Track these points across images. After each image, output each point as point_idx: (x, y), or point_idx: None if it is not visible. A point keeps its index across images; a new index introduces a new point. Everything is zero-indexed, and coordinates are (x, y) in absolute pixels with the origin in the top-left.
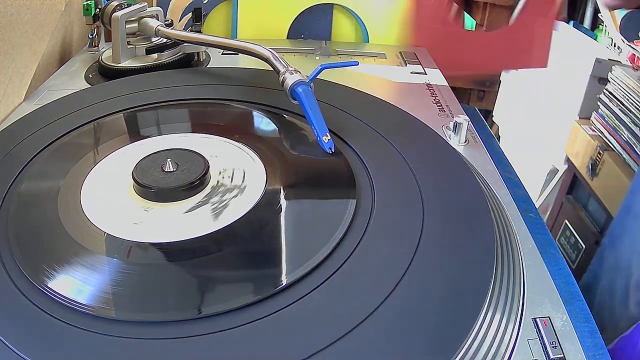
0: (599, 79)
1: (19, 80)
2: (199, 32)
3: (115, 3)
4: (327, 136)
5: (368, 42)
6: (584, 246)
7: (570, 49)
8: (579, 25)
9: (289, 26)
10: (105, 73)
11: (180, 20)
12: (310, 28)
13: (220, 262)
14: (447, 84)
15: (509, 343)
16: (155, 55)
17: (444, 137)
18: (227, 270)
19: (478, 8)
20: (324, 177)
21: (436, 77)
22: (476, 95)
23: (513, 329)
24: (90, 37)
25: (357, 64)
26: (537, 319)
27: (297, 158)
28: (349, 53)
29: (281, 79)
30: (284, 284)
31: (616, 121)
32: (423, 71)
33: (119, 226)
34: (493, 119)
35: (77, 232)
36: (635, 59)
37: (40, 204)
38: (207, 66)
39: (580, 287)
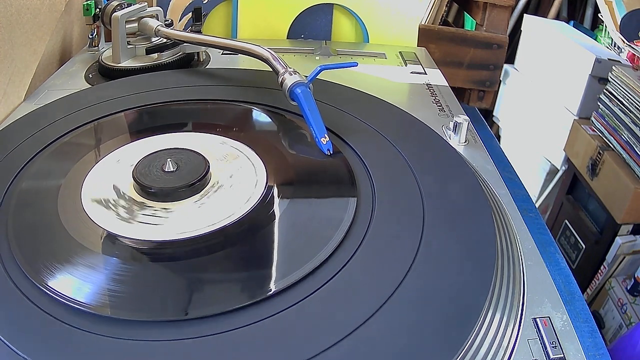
0: (599, 79)
1: (19, 80)
2: (199, 32)
3: (115, 3)
4: (325, 137)
5: (368, 42)
6: (584, 246)
7: (570, 49)
8: (579, 25)
9: (288, 26)
10: (105, 73)
11: (180, 20)
12: (310, 28)
13: (220, 263)
14: (447, 84)
15: (509, 343)
16: (155, 55)
17: (444, 137)
18: (225, 272)
19: (478, 8)
20: (323, 177)
21: (436, 77)
22: (476, 95)
23: (513, 329)
24: (90, 37)
25: (356, 64)
26: (537, 319)
27: (298, 158)
28: (349, 53)
29: (280, 79)
30: (282, 287)
31: (616, 121)
32: (423, 71)
33: (119, 226)
34: (493, 119)
35: (76, 231)
36: (635, 59)
37: (40, 203)
38: (207, 66)
39: None
